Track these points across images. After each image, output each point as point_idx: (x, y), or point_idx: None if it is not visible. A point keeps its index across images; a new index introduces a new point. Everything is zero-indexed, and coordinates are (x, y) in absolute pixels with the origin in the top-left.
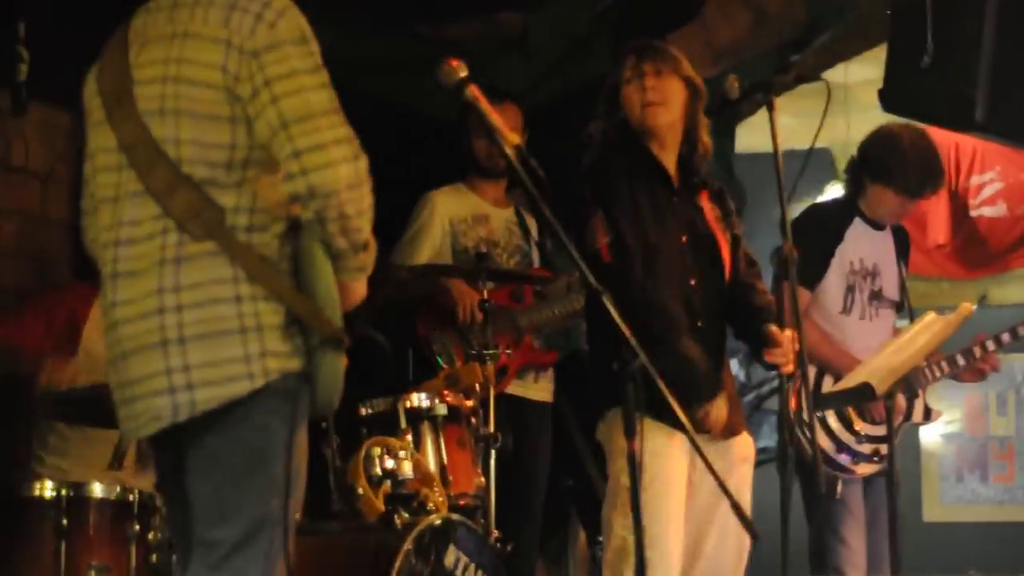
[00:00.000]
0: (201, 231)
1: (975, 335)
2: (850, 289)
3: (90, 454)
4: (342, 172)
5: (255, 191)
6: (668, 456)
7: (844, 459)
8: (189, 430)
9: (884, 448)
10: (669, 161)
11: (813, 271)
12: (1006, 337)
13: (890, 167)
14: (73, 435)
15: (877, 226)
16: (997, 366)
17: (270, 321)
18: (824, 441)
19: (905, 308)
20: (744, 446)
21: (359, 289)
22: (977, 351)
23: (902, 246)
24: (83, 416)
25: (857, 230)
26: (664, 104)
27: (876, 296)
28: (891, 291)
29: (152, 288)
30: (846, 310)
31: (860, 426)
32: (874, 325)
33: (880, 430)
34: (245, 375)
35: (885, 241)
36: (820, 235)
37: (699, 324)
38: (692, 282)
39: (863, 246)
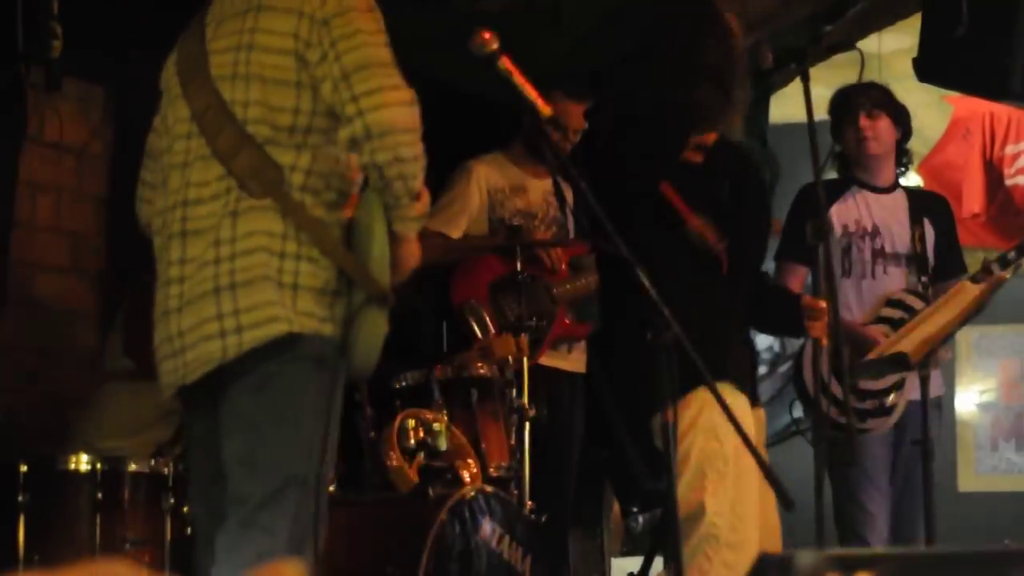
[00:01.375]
0: (260, 189)
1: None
2: (846, 251)
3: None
4: (397, 113)
5: (313, 156)
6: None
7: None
8: (225, 387)
9: (889, 399)
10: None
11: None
12: (1012, 254)
13: (834, 110)
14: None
15: (880, 190)
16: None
17: (307, 283)
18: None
19: (956, 266)
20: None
21: (414, 249)
22: (982, 276)
23: (925, 207)
24: None
25: (853, 195)
26: None
27: (880, 254)
28: (899, 247)
29: (212, 241)
30: (845, 272)
31: (860, 384)
32: (879, 282)
33: (879, 384)
34: (284, 318)
35: (892, 202)
36: (806, 210)
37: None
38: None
39: (859, 210)
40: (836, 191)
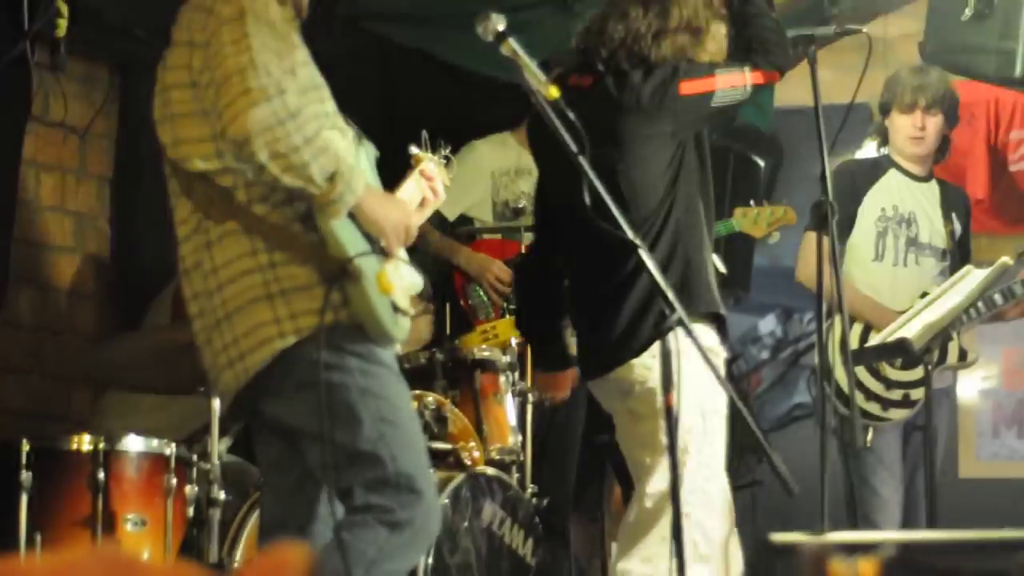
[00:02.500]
0: (219, 215)
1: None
2: (881, 235)
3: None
4: (249, 117)
5: (244, 170)
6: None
7: (874, 407)
8: (265, 409)
9: (915, 392)
10: None
11: (841, 223)
12: None
13: (891, 92)
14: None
15: (918, 178)
16: None
17: (293, 284)
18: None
19: (955, 261)
20: None
21: (381, 210)
22: (1018, 289)
23: (954, 202)
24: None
25: (892, 179)
26: None
27: (913, 243)
28: (932, 239)
29: (204, 274)
30: (878, 257)
31: (888, 371)
32: (910, 272)
33: (909, 375)
34: (277, 335)
35: (927, 193)
36: (846, 186)
37: None
38: None
39: (898, 195)
40: (874, 171)
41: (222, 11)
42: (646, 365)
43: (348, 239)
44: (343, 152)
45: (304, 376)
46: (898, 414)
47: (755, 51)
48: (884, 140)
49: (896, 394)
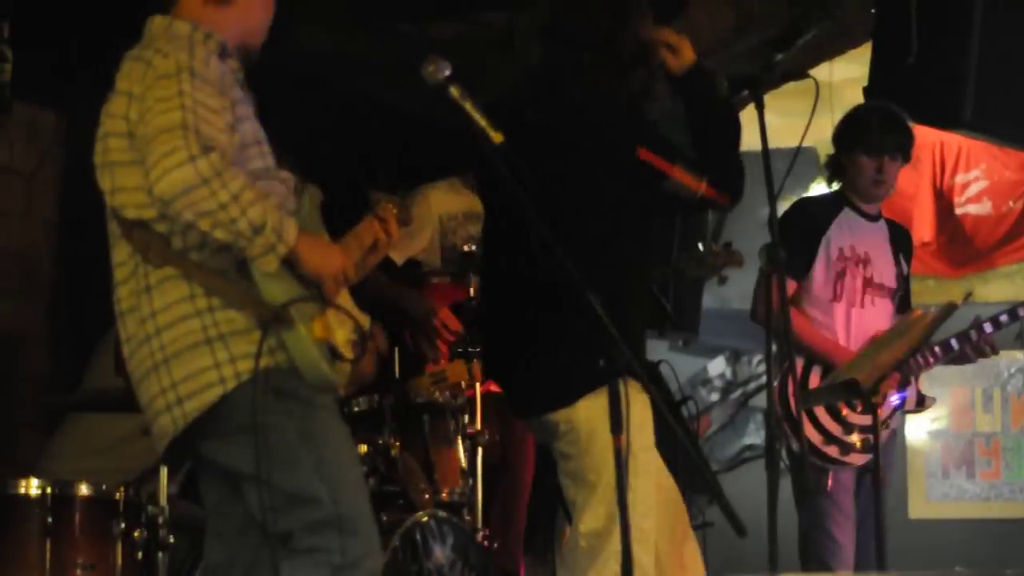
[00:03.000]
0: (157, 259)
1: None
2: (839, 275)
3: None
4: (175, 177)
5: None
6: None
7: (833, 450)
8: (206, 452)
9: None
10: None
11: (800, 260)
12: (1004, 318)
13: (851, 130)
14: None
15: (870, 217)
16: (996, 347)
17: (232, 328)
18: (812, 433)
19: (908, 303)
20: None
21: (317, 257)
22: (974, 334)
23: (901, 242)
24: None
25: (847, 219)
26: None
27: (869, 283)
28: (885, 279)
29: (139, 319)
30: (836, 297)
31: (847, 414)
32: (867, 312)
33: (869, 419)
34: (218, 380)
35: (878, 232)
36: (806, 224)
37: None
38: None
39: (853, 234)
40: (831, 209)
41: (159, 65)
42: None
43: (281, 286)
44: (274, 203)
45: (242, 419)
46: (858, 459)
47: (715, 172)
48: (836, 175)
49: (856, 438)
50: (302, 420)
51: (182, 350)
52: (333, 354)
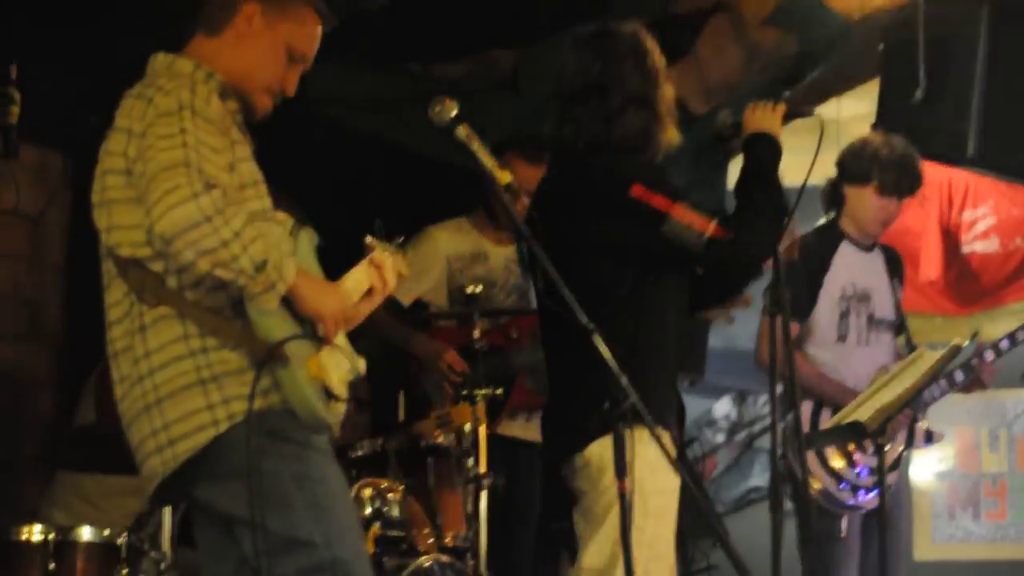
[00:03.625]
0: (153, 299)
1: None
2: (844, 316)
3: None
4: (176, 216)
5: None
6: (671, 493)
7: (846, 494)
8: (198, 495)
9: (889, 478)
10: None
11: (802, 303)
12: (1005, 344)
13: (864, 164)
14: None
15: (865, 247)
16: (992, 373)
17: (225, 368)
18: (824, 478)
19: (904, 329)
20: None
21: (314, 298)
22: (976, 362)
23: (895, 267)
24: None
25: (845, 254)
26: None
27: (871, 320)
28: (886, 312)
29: (133, 359)
30: (841, 338)
31: (860, 458)
32: (873, 349)
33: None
34: (210, 422)
35: (875, 262)
36: (807, 264)
37: None
38: None
39: (853, 270)
40: (829, 245)
41: (160, 103)
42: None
43: (277, 325)
44: (274, 241)
45: (236, 461)
46: (871, 502)
47: (739, 221)
48: (834, 205)
49: (868, 481)
50: (296, 463)
51: (175, 391)
52: (328, 394)
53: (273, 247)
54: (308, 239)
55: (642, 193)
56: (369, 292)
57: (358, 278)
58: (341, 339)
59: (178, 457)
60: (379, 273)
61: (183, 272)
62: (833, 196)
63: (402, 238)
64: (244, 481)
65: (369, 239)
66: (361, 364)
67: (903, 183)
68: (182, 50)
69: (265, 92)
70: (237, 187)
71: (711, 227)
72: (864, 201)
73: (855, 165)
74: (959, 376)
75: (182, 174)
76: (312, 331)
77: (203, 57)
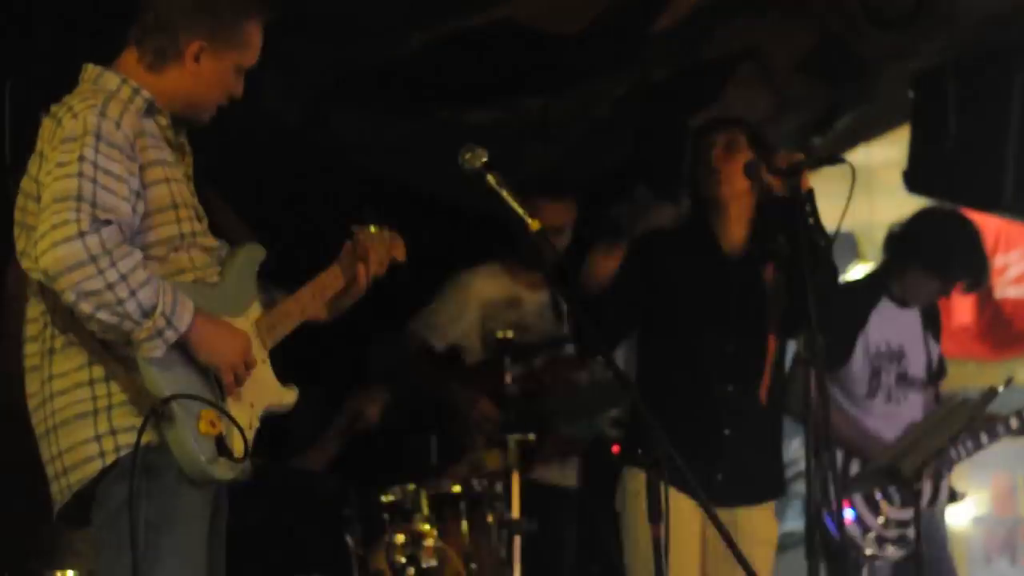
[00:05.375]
0: (62, 323)
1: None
2: (875, 373)
3: None
4: (61, 253)
5: None
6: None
7: (870, 545)
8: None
9: (911, 532)
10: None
11: (838, 353)
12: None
13: (942, 255)
14: None
15: (904, 303)
16: None
17: (120, 399)
18: (850, 526)
19: (938, 383)
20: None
21: (208, 344)
22: (1014, 422)
23: (931, 321)
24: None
25: (884, 310)
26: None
27: (902, 378)
28: (918, 370)
29: (40, 380)
30: (871, 393)
31: (886, 509)
32: (901, 408)
33: (907, 514)
34: (97, 454)
35: (912, 319)
36: (846, 316)
37: None
38: None
39: (889, 327)
40: (869, 298)
41: (67, 126)
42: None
43: (166, 377)
44: (167, 287)
45: (107, 488)
46: (893, 554)
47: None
48: (890, 266)
49: (893, 533)
50: (156, 503)
51: (69, 419)
52: (220, 448)
53: (166, 292)
54: (247, 256)
55: None
56: (351, 284)
57: (327, 281)
58: (268, 372)
59: (71, 487)
60: (363, 262)
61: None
62: (893, 258)
63: (381, 225)
64: (101, 512)
65: (354, 226)
66: (289, 396)
67: (976, 279)
68: (112, 60)
69: (212, 110)
70: (146, 214)
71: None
72: (922, 284)
73: (928, 249)
74: (984, 439)
75: (71, 207)
76: (213, 379)
77: (133, 75)
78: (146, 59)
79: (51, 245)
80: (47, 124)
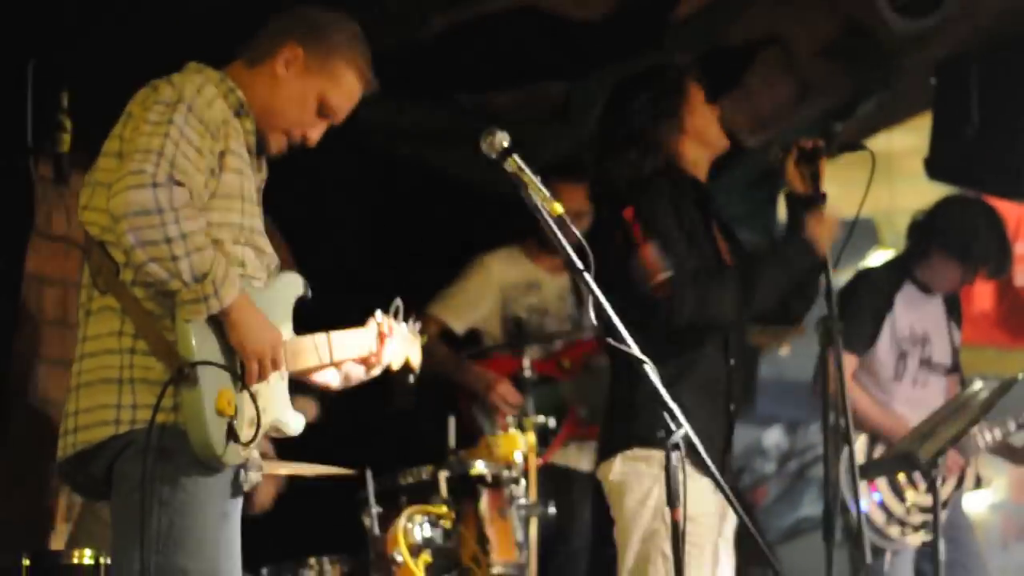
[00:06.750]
0: (104, 285)
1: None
2: (902, 356)
3: None
4: (131, 197)
5: None
6: (707, 524)
7: (894, 530)
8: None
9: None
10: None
11: (863, 337)
12: None
13: (966, 242)
14: None
15: (927, 289)
16: None
17: (146, 375)
18: (875, 511)
19: (959, 371)
20: None
21: (244, 326)
22: None
23: (953, 309)
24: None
25: (908, 295)
26: None
27: (927, 363)
28: (942, 356)
29: (78, 337)
30: (898, 377)
31: (911, 495)
32: (925, 392)
33: (930, 500)
34: (113, 420)
35: (935, 305)
36: (871, 300)
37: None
38: None
39: (913, 312)
40: (893, 282)
41: (162, 91)
42: (610, 467)
43: (200, 345)
44: (223, 260)
45: (126, 468)
46: (917, 540)
47: (698, 284)
48: (915, 252)
49: (917, 518)
50: (169, 484)
51: (94, 382)
52: (230, 434)
53: (220, 263)
54: (291, 282)
55: (630, 217)
56: (367, 360)
57: (360, 342)
58: (282, 388)
59: (76, 445)
60: (380, 345)
61: (127, 264)
62: (918, 244)
63: (418, 324)
64: (123, 483)
65: (378, 314)
66: (297, 421)
67: (1000, 267)
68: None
69: (283, 133)
70: (217, 196)
71: (658, 279)
72: (946, 269)
73: (954, 235)
74: (1011, 427)
75: (152, 160)
76: (238, 369)
77: (234, 79)
78: (246, 55)
79: (124, 188)
80: (143, 91)
